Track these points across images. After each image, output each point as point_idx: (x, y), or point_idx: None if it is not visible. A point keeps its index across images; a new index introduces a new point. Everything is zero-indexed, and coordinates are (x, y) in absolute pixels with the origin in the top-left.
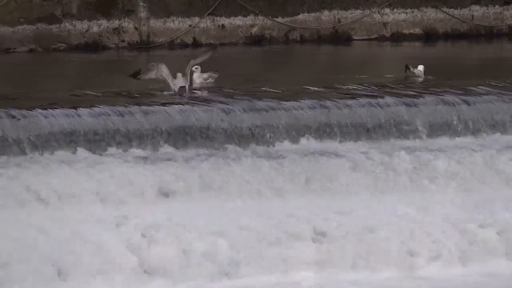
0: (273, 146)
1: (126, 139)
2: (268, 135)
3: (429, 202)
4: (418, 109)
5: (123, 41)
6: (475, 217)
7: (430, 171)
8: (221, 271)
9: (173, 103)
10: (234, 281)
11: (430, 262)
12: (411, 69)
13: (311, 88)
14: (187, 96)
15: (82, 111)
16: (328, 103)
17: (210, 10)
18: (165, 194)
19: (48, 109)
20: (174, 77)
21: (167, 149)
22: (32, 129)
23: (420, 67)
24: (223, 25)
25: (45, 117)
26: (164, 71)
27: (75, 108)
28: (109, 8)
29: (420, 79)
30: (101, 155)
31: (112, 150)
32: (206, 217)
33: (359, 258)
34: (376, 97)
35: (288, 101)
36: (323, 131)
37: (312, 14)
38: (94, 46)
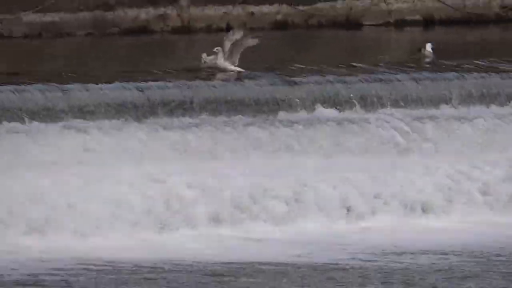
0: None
1: (198, 106)
2: (298, 103)
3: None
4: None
5: (168, 25)
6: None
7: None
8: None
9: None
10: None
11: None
12: (422, 50)
13: (332, 68)
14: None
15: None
16: (347, 78)
17: None
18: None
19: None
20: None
21: (226, 116)
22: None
23: (429, 46)
24: (252, 12)
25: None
26: (222, 55)
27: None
28: None
29: (430, 58)
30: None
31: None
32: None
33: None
34: (391, 74)
35: (302, 75)
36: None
37: (328, 3)
38: (143, 30)
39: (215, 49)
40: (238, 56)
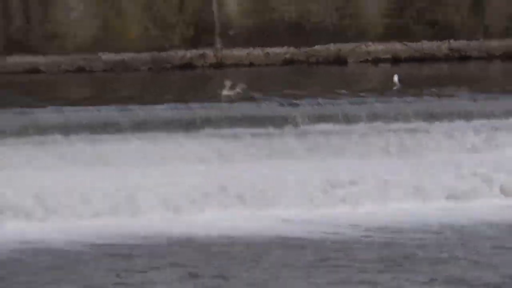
0: (299, 127)
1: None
2: (296, 119)
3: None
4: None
5: (206, 62)
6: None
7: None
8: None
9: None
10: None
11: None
12: (392, 80)
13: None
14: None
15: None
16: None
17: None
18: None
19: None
20: (231, 88)
21: (241, 129)
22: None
23: (396, 77)
24: (268, 53)
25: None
26: (237, 86)
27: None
28: (197, 42)
29: (397, 86)
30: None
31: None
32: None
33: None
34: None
35: (304, 98)
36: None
37: (324, 46)
38: (188, 66)
39: (230, 82)
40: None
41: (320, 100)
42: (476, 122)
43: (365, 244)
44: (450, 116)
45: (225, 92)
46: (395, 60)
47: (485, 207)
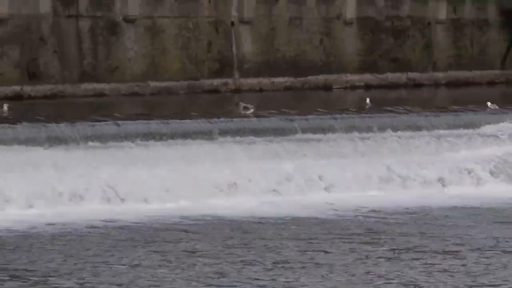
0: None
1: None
2: (293, 130)
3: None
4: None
5: (228, 88)
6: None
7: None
8: None
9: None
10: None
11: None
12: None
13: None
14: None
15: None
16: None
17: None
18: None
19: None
20: (248, 108)
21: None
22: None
23: (368, 100)
24: (273, 81)
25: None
26: (247, 106)
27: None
28: (221, 74)
29: (368, 106)
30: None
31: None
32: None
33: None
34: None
35: (300, 115)
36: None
37: (314, 76)
38: (214, 91)
39: (243, 104)
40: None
41: (310, 116)
42: (425, 132)
43: (340, 221)
44: (406, 127)
45: (241, 110)
46: (367, 87)
47: (432, 194)
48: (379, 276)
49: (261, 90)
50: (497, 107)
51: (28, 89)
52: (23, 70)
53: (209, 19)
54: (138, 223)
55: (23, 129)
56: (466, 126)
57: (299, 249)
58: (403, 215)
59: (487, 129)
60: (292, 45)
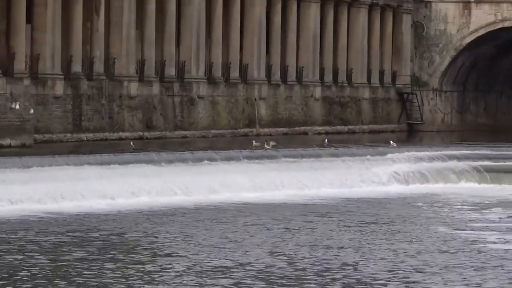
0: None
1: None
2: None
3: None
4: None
5: (252, 133)
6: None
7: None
8: None
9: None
10: None
11: None
12: (323, 141)
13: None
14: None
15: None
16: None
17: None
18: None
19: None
20: (268, 144)
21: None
22: None
23: (326, 140)
24: (277, 130)
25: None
26: (269, 143)
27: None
28: (249, 126)
29: (326, 144)
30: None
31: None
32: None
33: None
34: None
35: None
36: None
37: (296, 129)
38: (244, 135)
39: (255, 142)
40: (271, 143)
41: (294, 148)
42: (358, 157)
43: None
44: (347, 154)
45: (263, 146)
46: (326, 133)
47: (364, 191)
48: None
49: (270, 135)
50: (395, 144)
51: (146, 134)
52: (143, 124)
53: (243, 97)
54: (203, 203)
55: (144, 155)
56: (378, 154)
57: None
58: (345, 202)
59: (390, 156)
60: (287, 111)
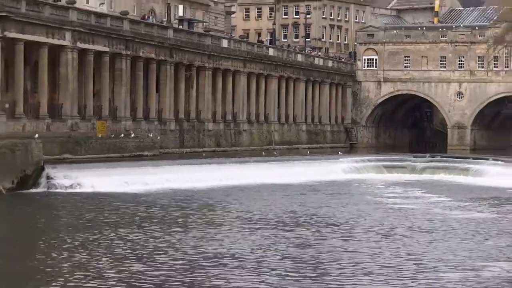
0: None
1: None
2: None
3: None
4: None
5: (271, 149)
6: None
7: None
8: None
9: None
10: None
11: None
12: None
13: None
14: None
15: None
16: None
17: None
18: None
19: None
20: (276, 154)
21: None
22: None
23: (308, 152)
24: (280, 148)
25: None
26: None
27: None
28: (269, 145)
29: (277, 153)
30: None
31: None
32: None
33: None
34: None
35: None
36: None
37: (293, 145)
38: (267, 150)
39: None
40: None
41: (289, 156)
42: (324, 161)
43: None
44: (317, 159)
45: (274, 154)
46: (309, 149)
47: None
48: None
49: (279, 149)
50: (342, 154)
51: (217, 149)
52: (215, 143)
53: (266, 129)
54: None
55: (216, 159)
56: (333, 158)
57: None
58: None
59: (341, 160)
60: (288, 137)
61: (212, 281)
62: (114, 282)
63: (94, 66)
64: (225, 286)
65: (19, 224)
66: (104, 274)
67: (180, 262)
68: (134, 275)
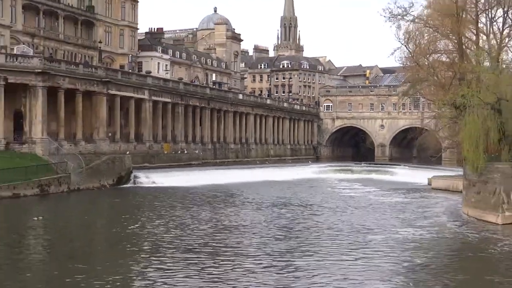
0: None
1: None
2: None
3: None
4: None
5: (269, 160)
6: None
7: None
8: None
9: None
10: None
11: None
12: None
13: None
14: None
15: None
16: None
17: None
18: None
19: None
20: (269, 162)
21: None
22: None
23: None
24: (277, 159)
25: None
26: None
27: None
28: (267, 157)
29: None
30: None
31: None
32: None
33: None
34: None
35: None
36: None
37: (282, 157)
38: (282, 161)
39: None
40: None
41: (279, 163)
42: (299, 166)
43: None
44: (294, 165)
45: (267, 162)
46: (292, 160)
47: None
48: None
49: (273, 160)
50: (311, 162)
51: (236, 160)
52: (235, 156)
53: (265, 148)
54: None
55: (235, 166)
56: (305, 165)
57: None
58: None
59: (311, 166)
60: (279, 152)
61: (235, 237)
62: (191, 232)
63: (162, 111)
64: (242, 241)
65: (121, 204)
66: (189, 231)
67: (220, 227)
68: (205, 231)
